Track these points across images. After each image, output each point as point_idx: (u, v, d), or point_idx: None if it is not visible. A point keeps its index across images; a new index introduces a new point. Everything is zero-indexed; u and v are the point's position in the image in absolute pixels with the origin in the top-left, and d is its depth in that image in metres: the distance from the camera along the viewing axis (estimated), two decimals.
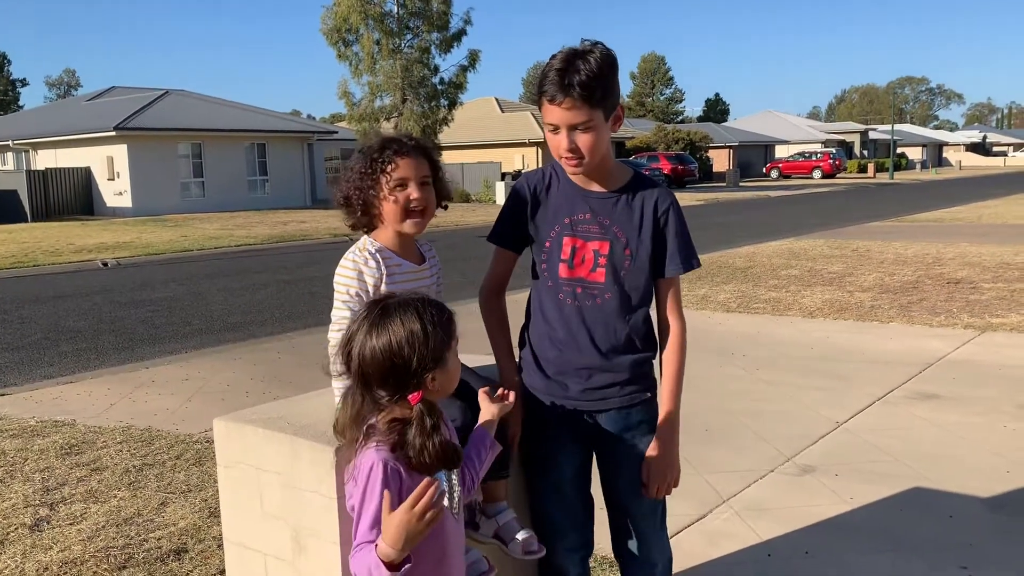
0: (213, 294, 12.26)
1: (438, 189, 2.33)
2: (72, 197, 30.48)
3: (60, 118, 35.72)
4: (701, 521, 3.98)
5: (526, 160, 43.23)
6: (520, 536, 2.31)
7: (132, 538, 3.90)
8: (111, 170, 30.48)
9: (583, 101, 2.16)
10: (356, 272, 2.23)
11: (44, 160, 32.45)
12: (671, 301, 2.47)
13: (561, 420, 2.44)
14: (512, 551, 2.31)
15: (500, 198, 33.62)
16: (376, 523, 1.70)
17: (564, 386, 2.41)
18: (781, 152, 65.19)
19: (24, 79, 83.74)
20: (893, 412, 5.57)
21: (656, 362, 2.51)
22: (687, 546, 3.67)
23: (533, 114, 46.74)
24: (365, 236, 2.32)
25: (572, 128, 2.21)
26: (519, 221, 2.44)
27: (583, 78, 2.15)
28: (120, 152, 30.13)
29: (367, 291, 2.23)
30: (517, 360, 2.53)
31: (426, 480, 1.66)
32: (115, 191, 30.50)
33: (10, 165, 33.71)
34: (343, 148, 39.34)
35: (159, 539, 3.88)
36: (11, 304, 11.73)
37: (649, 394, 2.48)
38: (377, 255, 2.26)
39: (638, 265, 2.39)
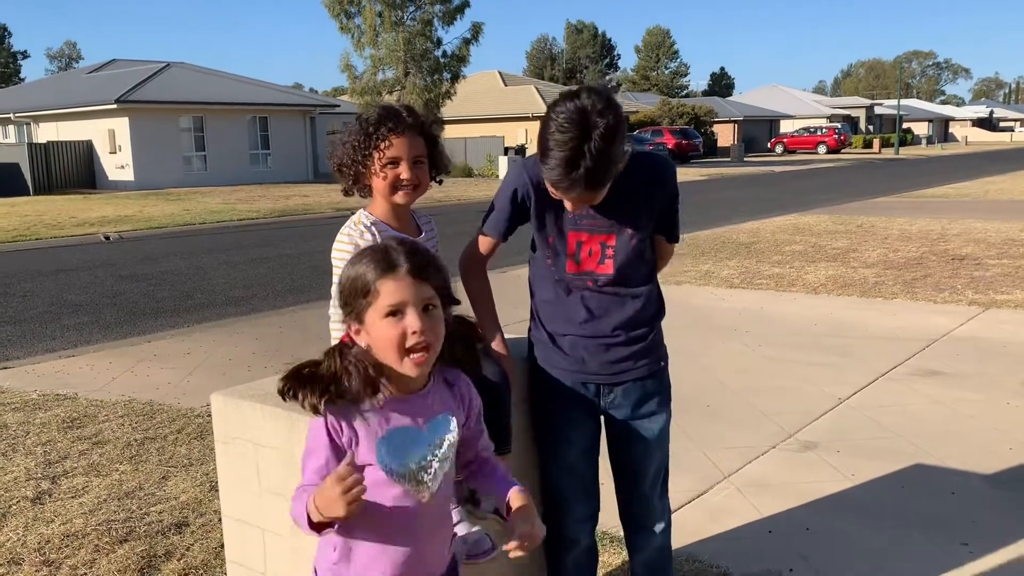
0: (215, 268, 12.24)
1: (435, 164, 2.30)
2: (74, 170, 30.40)
3: (62, 91, 35.55)
4: (702, 497, 3.97)
5: (529, 134, 42.99)
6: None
7: (133, 512, 3.91)
8: (113, 143, 30.38)
9: (590, 189, 2.15)
10: (352, 246, 2.22)
11: (46, 133, 32.33)
12: (662, 258, 2.56)
13: (575, 396, 2.47)
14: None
15: (503, 172, 33.48)
16: (318, 473, 1.68)
17: (581, 360, 2.43)
18: (786, 127, 64.79)
19: (25, 51, 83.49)
20: (896, 388, 5.55)
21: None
22: (688, 522, 3.67)
23: (537, 88, 46.45)
24: (361, 210, 2.30)
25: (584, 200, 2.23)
26: (517, 215, 2.41)
27: (589, 166, 2.07)
28: (122, 125, 30.00)
29: None
30: (526, 336, 2.54)
31: (345, 460, 1.61)
32: (117, 164, 30.41)
33: (12, 138, 33.60)
34: (345, 122, 38.69)
35: (160, 513, 3.89)
36: (13, 278, 11.72)
37: (663, 363, 2.53)
38: (372, 228, 2.24)
39: (644, 247, 2.40)
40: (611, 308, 2.40)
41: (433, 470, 1.71)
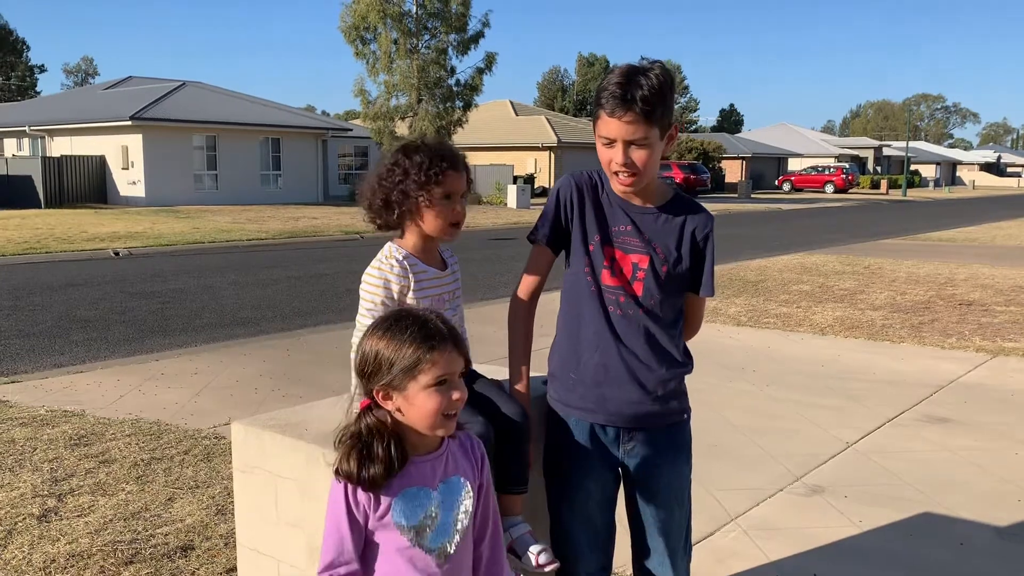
0: (224, 288, 12.29)
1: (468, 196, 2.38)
2: (86, 185, 30.60)
3: (77, 106, 35.88)
4: (709, 539, 3.96)
5: (539, 164, 43.25)
6: (534, 549, 2.30)
7: (139, 533, 3.91)
8: (126, 159, 30.61)
9: (643, 117, 2.17)
10: (382, 280, 2.26)
11: (60, 147, 32.60)
12: (693, 319, 2.54)
13: (593, 441, 2.41)
14: (525, 564, 2.31)
15: (512, 201, 33.63)
16: (336, 551, 1.76)
17: (601, 402, 2.39)
18: (794, 165, 65.08)
19: (42, 65, 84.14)
20: (904, 434, 5.54)
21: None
22: (695, 565, 3.63)
23: (547, 118, 46.78)
24: (390, 244, 2.34)
25: (629, 143, 2.21)
26: (564, 221, 2.42)
27: (645, 93, 2.15)
28: (135, 142, 30.26)
29: (392, 299, 2.26)
30: (543, 375, 2.53)
31: None
32: (129, 180, 30.62)
33: (26, 151, 33.88)
34: (356, 146, 39.40)
35: (166, 535, 3.88)
36: (23, 290, 11.77)
37: (686, 415, 2.49)
38: (404, 262, 2.29)
39: (675, 281, 2.39)
40: (637, 336, 2.36)
41: (449, 531, 1.78)
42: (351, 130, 38.59)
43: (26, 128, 33.38)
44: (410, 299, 2.30)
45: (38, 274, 13.55)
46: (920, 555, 3.79)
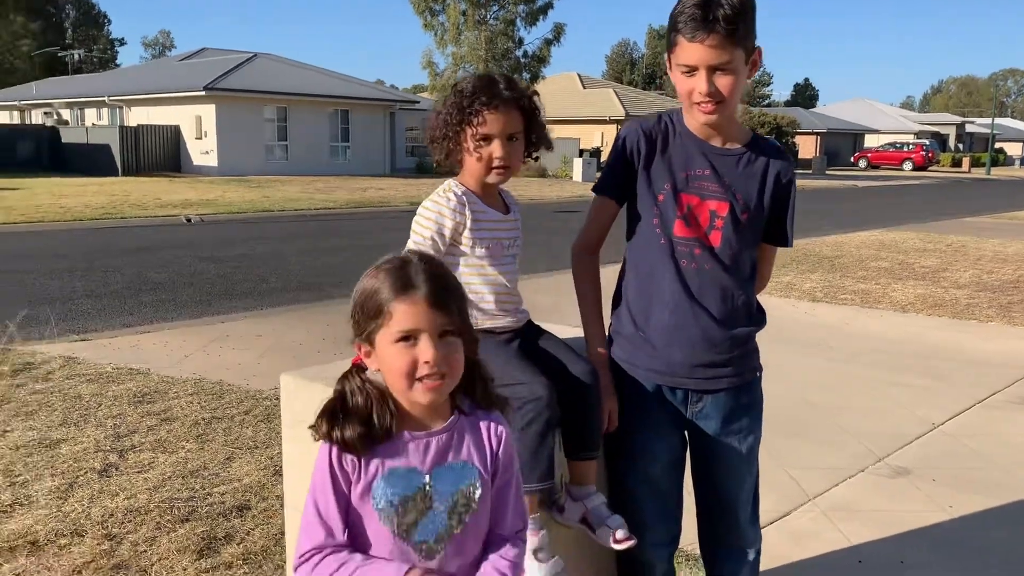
0: (291, 254, 12.35)
1: (531, 141, 2.15)
2: (161, 154, 31.30)
3: (153, 77, 36.67)
4: (785, 519, 3.73)
5: (605, 138, 42.66)
6: (611, 523, 2.12)
7: (196, 491, 3.86)
8: (199, 129, 31.18)
9: (727, 37, 1.96)
10: (436, 215, 2.09)
11: (137, 117, 33.36)
12: (765, 272, 2.37)
13: (661, 402, 2.25)
14: (600, 538, 2.13)
15: (577, 175, 33.26)
16: (318, 528, 1.52)
17: (670, 361, 2.21)
18: (871, 141, 62.95)
19: (122, 39, 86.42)
20: (994, 417, 5.19)
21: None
22: (770, 545, 3.41)
23: (615, 91, 46.09)
24: (450, 180, 2.16)
25: (712, 69, 2.01)
26: (629, 169, 2.22)
27: (728, 12, 1.94)
28: (208, 112, 30.77)
29: (444, 236, 2.09)
30: (607, 332, 2.34)
31: (412, 571, 1.49)
32: (202, 150, 31.20)
33: (105, 120, 34.77)
34: (424, 119, 39.38)
35: (223, 494, 3.83)
36: (98, 253, 12.02)
37: (759, 373, 2.31)
38: (463, 197, 2.11)
39: (754, 230, 2.19)
40: (712, 291, 2.18)
41: (440, 526, 1.54)
42: (418, 102, 38.60)
43: (105, 98, 34.23)
44: (465, 239, 2.11)
45: (112, 238, 13.84)
46: (1020, 549, 3.50)
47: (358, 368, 1.60)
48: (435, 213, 2.09)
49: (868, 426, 4.97)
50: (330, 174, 32.26)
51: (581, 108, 44.26)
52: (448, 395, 1.57)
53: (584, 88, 47.94)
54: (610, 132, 42.73)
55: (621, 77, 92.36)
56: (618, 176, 2.24)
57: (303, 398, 2.17)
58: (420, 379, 1.50)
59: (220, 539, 3.40)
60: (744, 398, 2.28)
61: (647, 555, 2.30)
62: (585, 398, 2.11)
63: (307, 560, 1.52)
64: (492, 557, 1.61)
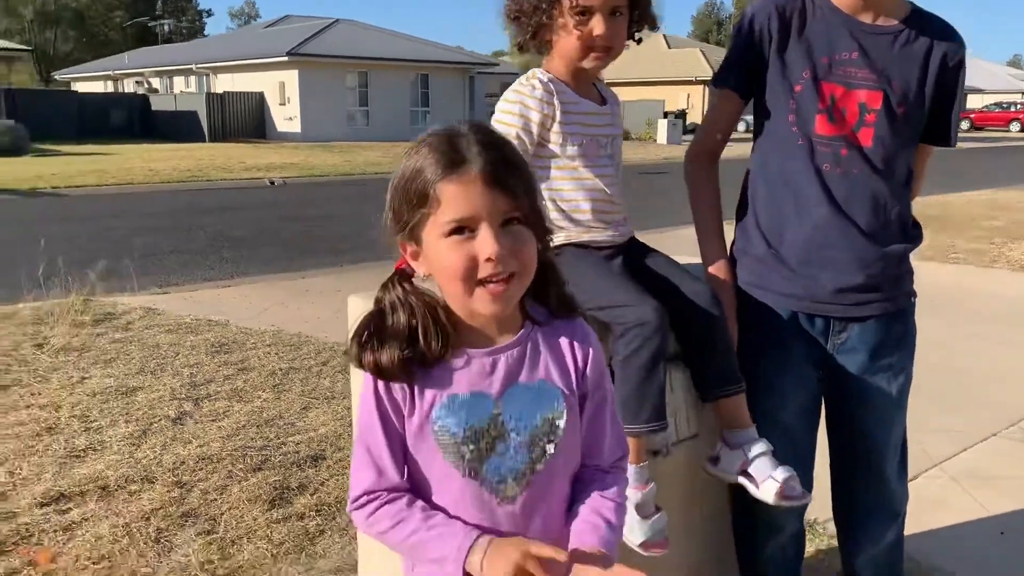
0: (372, 214, 12.19)
1: (637, 16, 1.80)
2: (246, 120, 31.76)
3: (239, 44, 37.20)
4: (911, 483, 3.33)
5: (691, 99, 41.48)
6: (778, 475, 1.77)
7: (271, 440, 3.69)
8: (283, 95, 31.50)
9: None
10: (519, 107, 1.77)
11: (223, 84, 33.91)
12: (919, 177, 1.99)
13: (796, 333, 1.89)
14: (764, 494, 1.78)
15: (662, 137, 32.40)
16: (365, 464, 1.25)
17: (810, 284, 1.85)
18: (974, 102, 59.66)
19: (210, 10, 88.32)
20: None
21: None
22: None
23: (702, 51, 44.71)
24: (534, 68, 1.84)
25: None
26: (757, 56, 1.85)
27: None
28: (291, 78, 31.03)
29: (531, 133, 1.76)
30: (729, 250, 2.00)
31: (557, 555, 1.15)
32: (286, 116, 31.53)
33: (192, 88, 35.47)
34: (503, 83, 38.96)
35: (297, 444, 3.65)
36: (183, 213, 12.13)
37: (913, 299, 1.94)
38: (550, 85, 1.78)
39: (913, 126, 1.81)
40: (861, 201, 1.81)
41: (519, 460, 1.23)
42: (498, 64, 38.21)
43: (193, 66, 34.89)
44: (554, 136, 1.78)
45: (198, 199, 13.99)
46: None
47: (401, 275, 1.29)
48: (518, 105, 1.77)
49: (995, 390, 4.50)
50: (411, 140, 32.14)
51: (666, 69, 43.07)
52: (517, 302, 1.24)
53: (669, 48, 46.60)
54: (696, 93, 41.56)
55: (708, 37, 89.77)
56: (744, 64, 1.88)
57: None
58: (481, 282, 1.17)
59: (293, 489, 3.22)
60: (896, 328, 1.91)
61: (774, 513, 1.93)
62: (708, 324, 1.77)
63: (360, 507, 1.26)
64: (591, 500, 1.29)
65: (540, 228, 1.23)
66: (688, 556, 2.05)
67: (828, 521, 2.78)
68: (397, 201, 1.24)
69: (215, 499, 3.13)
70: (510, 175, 1.18)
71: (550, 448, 1.26)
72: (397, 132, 32.57)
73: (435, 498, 1.26)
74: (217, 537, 2.86)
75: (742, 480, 1.82)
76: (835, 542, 2.33)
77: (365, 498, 1.25)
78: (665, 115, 35.87)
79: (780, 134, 1.85)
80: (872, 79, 1.78)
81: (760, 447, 1.81)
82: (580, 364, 1.29)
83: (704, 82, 40.84)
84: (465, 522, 1.23)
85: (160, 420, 3.93)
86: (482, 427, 1.23)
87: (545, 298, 1.29)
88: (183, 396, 4.25)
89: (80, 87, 40.20)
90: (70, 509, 3.05)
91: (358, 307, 1.88)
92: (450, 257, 1.17)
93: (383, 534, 1.25)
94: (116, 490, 3.21)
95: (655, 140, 33.06)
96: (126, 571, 2.66)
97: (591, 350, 1.31)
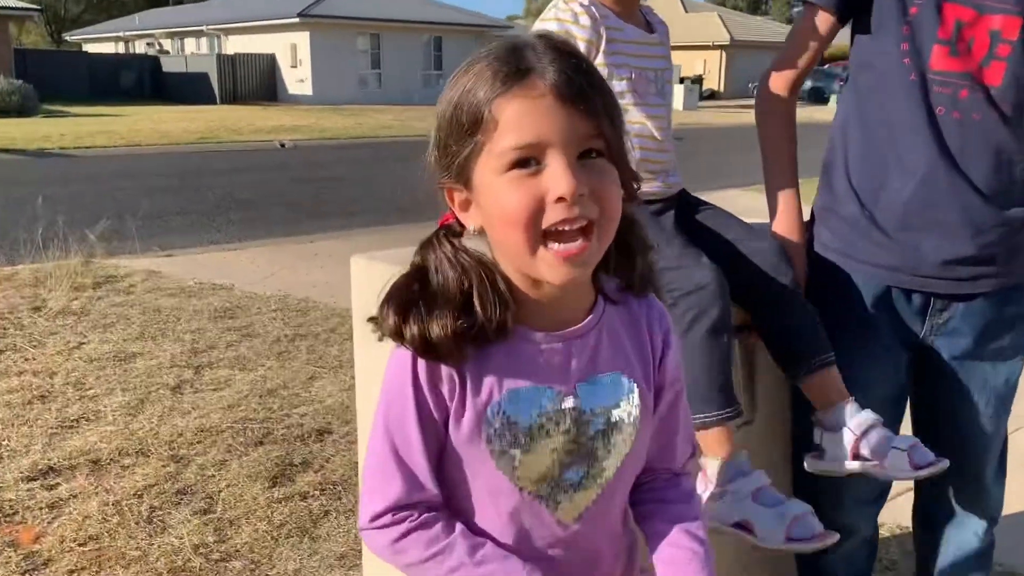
0: (383, 178, 11.96)
1: None
2: (257, 82, 31.37)
3: (249, 6, 36.63)
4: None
5: (708, 65, 40.78)
6: (901, 444, 1.48)
7: (274, 411, 3.48)
8: (294, 57, 31.08)
9: None
10: (562, 35, 1.50)
11: (234, 46, 33.46)
12: None
13: (888, 311, 1.60)
14: (891, 470, 1.49)
15: (678, 103, 31.82)
16: (392, 471, 0.95)
17: (910, 253, 1.55)
18: None
19: None
20: None
21: None
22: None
23: (720, 15, 43.87)
24: None
25: None
26: None
27: None
28: (303, 40, 30.59)
29: None
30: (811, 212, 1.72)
31: None
32: (297, 78, 31.14)
33: (204, 49, 35.04)
34: None
35: (302, 416, 3.44)
36: (192, 175, 11.89)
37: None
38: (593, 10, 1.53)
39: None
40: (981, 153, 1.48)
41: (590, 468, 0.97)
42: (512, 28, 37.52)
43: (204, 27, 34.43)
44: (599, 66, 1.51)
45: (207, 161, 13.74)
46: None
47: (448, 230, 1.01)
48: (560, 33, 1.51)
49: None
50: (423, 103, 31.73)
51: (682, 34, 42.17)
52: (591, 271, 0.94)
53: (686, 12, 45.73)
54: (713, 59, 40.87)
55: (725, 2, 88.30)
56: None
57: (377, 286, 1.66)
58: (549, 235, 0.87)
59: (296, 465, 3.01)
60: (1010, 308, 1.61)
61: (846, 515, 1.70)
62: (778, 289, 1.51)
63: (382, 528, 0.97)
64: (681, 523, 1.04)
65: (625, 168, 0.93)
66: (739, 559, 1.82)
67: (895, 526, 2.56)
68: (444, 132, 0.95)
69: (213, 475, 2.92)
70: (592, 90, 0.88)
71: (624, 447, 1.00)
72: (409, 95, 32.19)
73: (477, 519, 0.99)
74: (214, 517, 2.66)
75: (856, 467, 1.50)
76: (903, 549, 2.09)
77: (389, 516, 0.96)
78: (681, 80, 35.23)
79: (885, 68, 1.53)
80: (1009, 1, 1.44)
81: (867, 417, 1.51)
82: (659, 352, 1.03)
83: (722, 47, 40.12)
84: (518, 551, 0.97)
85: (158, 389, 3.72)
86: (551, 429, 0.95)
87: (626, 267, 1.00)
88: (183, 363, 4.04)
89: (91, 48, 39.78)
90: (58, 484, 2.86)
91: (363, 270, 1.63)
92: (508, 197, 0.88)
93: (412, 567, 0.97)
94: (108, 464, 3.01)
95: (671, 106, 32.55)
96: (114, 554, 2.46)
97: (671, 335, 1.04)
